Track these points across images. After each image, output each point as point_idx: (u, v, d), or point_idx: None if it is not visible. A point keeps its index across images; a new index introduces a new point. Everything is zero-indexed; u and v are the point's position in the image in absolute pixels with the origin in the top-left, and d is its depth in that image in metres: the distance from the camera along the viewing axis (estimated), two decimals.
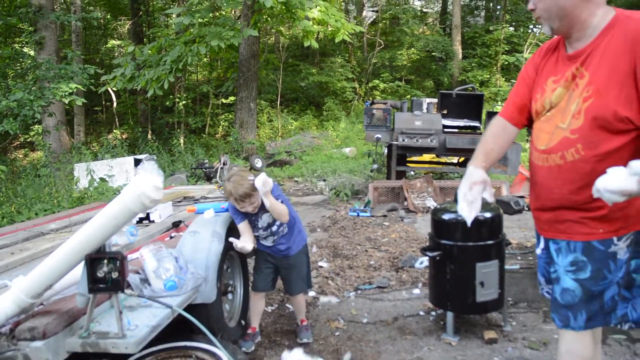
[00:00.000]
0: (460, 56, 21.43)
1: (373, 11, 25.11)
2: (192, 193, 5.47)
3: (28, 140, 18.21)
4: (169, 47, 13.07)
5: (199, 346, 2.64)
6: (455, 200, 2.25)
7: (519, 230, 6.51)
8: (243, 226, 3.30)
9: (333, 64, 21.68)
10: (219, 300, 3.10)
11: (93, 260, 2.17)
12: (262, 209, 3.25)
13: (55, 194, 8.31)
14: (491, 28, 22.32)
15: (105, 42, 23.65)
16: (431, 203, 7.74)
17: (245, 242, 3.24)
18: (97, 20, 19.58)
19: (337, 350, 3.48)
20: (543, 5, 2.04)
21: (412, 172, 10.20)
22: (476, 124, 9.00)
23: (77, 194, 8.32)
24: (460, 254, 3.44)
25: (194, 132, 19.30)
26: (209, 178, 11.12)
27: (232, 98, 18.74)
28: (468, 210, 2.15)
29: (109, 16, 23.83)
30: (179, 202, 4.99)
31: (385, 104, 9.34)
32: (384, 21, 24.15)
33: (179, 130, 18.31)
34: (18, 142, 19.86)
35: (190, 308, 2.72)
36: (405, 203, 7.98)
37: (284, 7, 12.32)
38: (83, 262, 2.18)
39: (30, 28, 13.25)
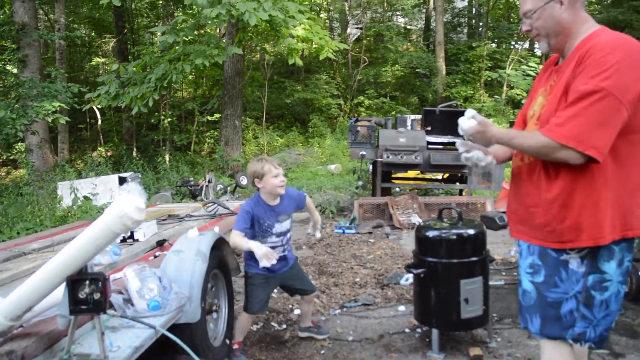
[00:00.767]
0: (444, 72, 21.63)
1: (357, 28, 25.30)
2: (177, 211, 5.45)
3: (10, 157, 18.02)
4: (154, 65, 13.05)
5: None
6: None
7: (503, 245, 6.54)
8: (243, 233, 3.22)
9: (318, 81, 21.77)
10: (203, 319, 3.08)
11: (74, 281, 2.15)
12: (286, 213, 3.27)
13: (38, 213, 8.22)
14: (474, 45, 22.58)
15: (90, 59, 23.57)
16: (416, 219, 7.77)
17: (262, 248, 3.07)
18: (81, 38, 19.52)
19: None
20: (541, 22, 2.13)
21: (397, 189, 10.24)
22: (460, 140, 9.04)
23: (60, 212, 8.23)
24: (444, 270, 3.45)
25: (179, 150, 19.23)
26: (194, 196, 11.05)
27: (217, 115, 18.72)
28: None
29: (93, 33, 23.80)
30: (163, 220, 4.97)
31: (369, 121, 9.40)
32: (368, 38, 24.34)
33: (164, 147, 18.23)
34: (0, 160, 19.65)
35: (174, 328, 2.70)
36: (391, 220, 8.00)
37: (268, 25, 12.39)
38: (64, 283, 2.16)
39: (13, 46, 13.18)
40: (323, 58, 13.38)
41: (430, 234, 3.52)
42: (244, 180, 12.50)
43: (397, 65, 22.64)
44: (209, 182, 10.91)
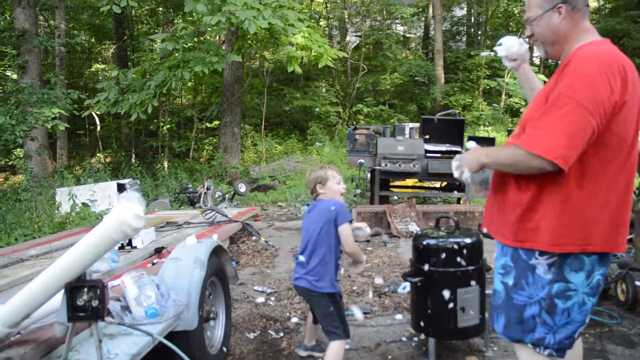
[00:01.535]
0: (443, 80, 21.70)
1: (356, 36, 25.40)
2: (176, 218, 5.46)
3: (9, 163, 18.02)
4: (154, 72, 13.09)
5: None
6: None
7: None
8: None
9: (317, 89, 21.83)
10: (200, 327, 3.09)
11: (73, 288, 2.16)
12: None
13: (36, 219, 8.22)
14: (472, 53, 22.67)
15: (90, 65, 23.63)
16: (414, 228, 7.78)
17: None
18: (81, 44, 19.55)
19: None
20: (539, 30, 2.22)
21: (395, 197, 10.25)
22: (458, 148, 9.10)
23: (58, 219, 8.23)
24: (441, 279, 3.46)
25: (178, 156, 19.26)
26: (192, 203, 11.07)
27: (216, 122, 18.77)
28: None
29: (93, 40, 23.86)
30: (162, 227, 4.98)
31: (367, 129, 9.44)
32: (367, 46, 24.43)
33: (162, 154, 18.25)
34: None
35: (171, 335, 2.71)
36: (389, 228, 8.01)
37: (267, 33, 12.44)
38: (62, 290, 2.17)
39: (13, 52, 13.21)
40: (322, 66, 13.43)
41: (427, 242, 3.54)
42: (242, 188, 12.53)
43: (395, 73, 22.72)
44: (207, 189, 10.93)
